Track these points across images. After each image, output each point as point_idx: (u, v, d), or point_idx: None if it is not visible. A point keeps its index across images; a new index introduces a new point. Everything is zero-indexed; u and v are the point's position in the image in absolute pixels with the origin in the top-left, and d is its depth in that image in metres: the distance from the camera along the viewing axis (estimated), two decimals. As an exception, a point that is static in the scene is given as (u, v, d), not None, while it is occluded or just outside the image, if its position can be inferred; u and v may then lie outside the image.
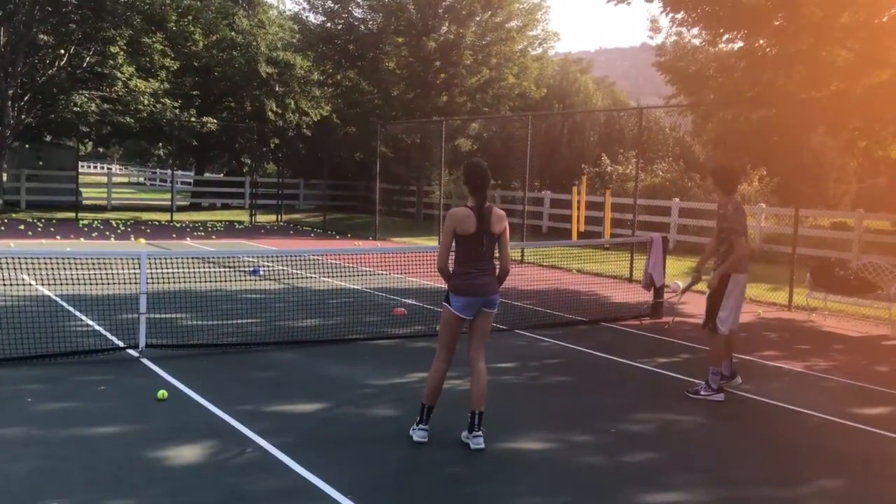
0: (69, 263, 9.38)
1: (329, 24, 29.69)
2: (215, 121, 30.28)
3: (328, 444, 5.74)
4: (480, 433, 5.69)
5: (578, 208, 17.95)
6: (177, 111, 28.79)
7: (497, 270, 5.84)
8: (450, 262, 5.83)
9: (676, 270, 16.24)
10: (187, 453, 5.43)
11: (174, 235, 21.74)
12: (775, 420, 6.81)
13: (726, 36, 14.62)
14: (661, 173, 25.09)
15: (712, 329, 7.40)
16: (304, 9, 30.54)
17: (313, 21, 30.46)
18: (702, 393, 7.31)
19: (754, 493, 5.12)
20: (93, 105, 26.84)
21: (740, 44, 14.86)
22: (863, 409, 7.16)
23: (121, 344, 8.39)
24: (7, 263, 10.91)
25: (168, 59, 29.02)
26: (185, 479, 5.02)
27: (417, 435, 5.79)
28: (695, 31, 15.39)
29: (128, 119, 27.82)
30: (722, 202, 7.44)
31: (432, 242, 20.59)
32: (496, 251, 5.84)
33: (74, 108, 26.33)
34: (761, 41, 14.20)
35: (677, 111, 19.23)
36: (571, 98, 32.46)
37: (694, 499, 5.00)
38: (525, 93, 29.02)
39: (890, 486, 5.43)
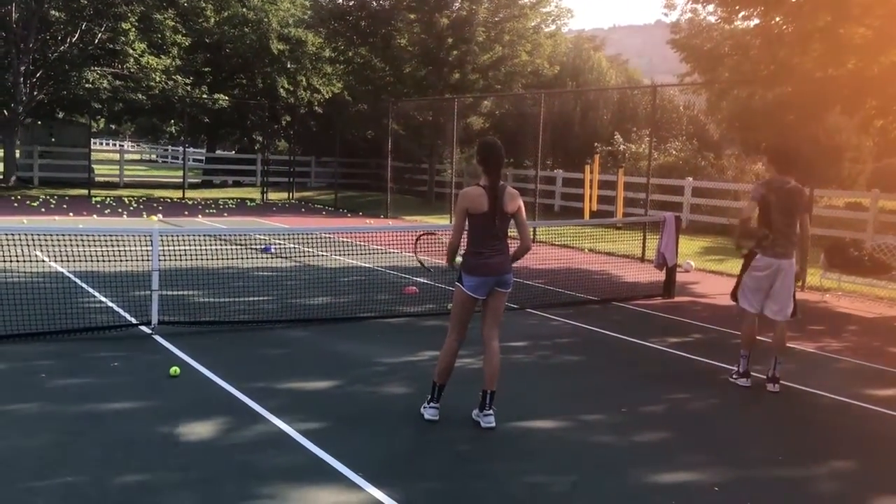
0: (82, 240, 9.40)
1: (341, 1, 29.52)
2: (227, 98, 30.24)
3: (339, 421, 5.76)
4: (491, 412, 5.70)
5: (591, 187, 17.87)
6: (188, 88, 28.75)
7: (510, 249, 5.82)
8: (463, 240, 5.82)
9: (689, 250, 16.18)
10: (200, 429, 5.46)
11: (186, 213, 21.79)
12: (787, 400, 6.78)
13: (742, 13, 14.45)
14: (674, 152, 24.92)
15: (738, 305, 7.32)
16: (315, -15, 30.41)
17: (325, -3, 30.33)
18: (732, 376, 7.23)
19: (766, 473, 5.11)
20: (105, 82, 26.85)
21: (756, 21, 14.69)
22: (875, 391, 7.13)
23: (133, 320, 8.43)
24: (20, 240, 10.96)
25: (179, 36, 28.96)
26: (198, 455, 5.05)
27: (428, 413, 5.80)
28: (710, 8, 15.21)
29: (140, 96, 27.82)
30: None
31: (444, 221, 20.56)
32: (510, 230, 5.82)
33: (86, 85, 26.35)
34: (777, 18, 14.02)
35: (691, 89, 19.04)
36: (585, 76, 32.20)
37: (705, 479, 4.99)
38: (538, 70, 28.80)
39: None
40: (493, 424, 5.66)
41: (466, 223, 5.71)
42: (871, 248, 11.88)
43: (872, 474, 5.24)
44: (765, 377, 7.06)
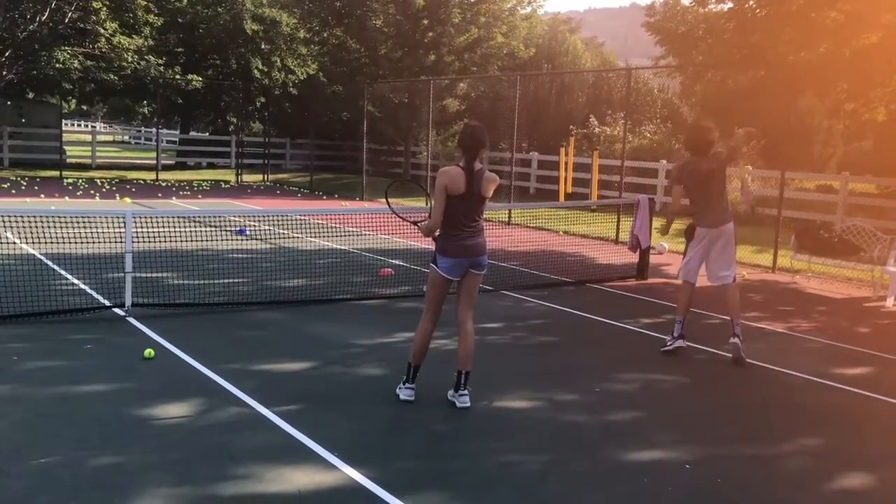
0: (54, 222, 9.30)
1: (315, -20, 29.24)
2: (200, 79, 29.89)
3: (315, 402, 5.78)
4: (466, 392, 5.74)
5: (566, 170, 17.94)
6: (161, 68, 28.39)
7: (484, 232, 5.85)
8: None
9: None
10: (174, 411, 5.45)
11: (160, 195, 21.60)
12: (757, 380, 6.90)
13: (716, -4, 14.55)
14: (648, 135, 25.05)
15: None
16: (290, -36, 30.07)
17: (299, -24, 30.01)
18: (668, 344, 7.55)
19: (736, 451, 5.21)
20: (76, 62, 26.43)
21: (730, 5, 14.80)
22: (843, 370, 7.27)
23: (107, 303, 8.36)
24: (-10, 222, 10.82)
25: (152, 16, 28.55)
26: (173, 436, 5.05)
27: (404, 394, 5.84)
28: (685, -9, 15.29)
29: (111, 76, 27.42)
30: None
31: (419, 203, 20.57)
32: (483, 212, 5.85)
33: (57, 65, 25.91)
34: (751, 2, 14.12)
35: (666, 72, 19.12)
36: (560, 59, 32.24)
37: (677, 456, 5.07)
38: (514, 52, 28.75)
39: (867, 444, 5.52)
40: (468, 404, 5.71)
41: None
42: (840, 230, 12.04)
43: (840, 451, 5.35)
44: (730, 351, 7.32)
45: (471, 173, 5.65)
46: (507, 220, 17.80)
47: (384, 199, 6.85)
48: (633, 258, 11.72)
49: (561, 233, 16.21)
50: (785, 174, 13.68)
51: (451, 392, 5.84)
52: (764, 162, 21.42)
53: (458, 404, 5.72)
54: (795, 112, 19.08)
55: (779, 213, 13.22)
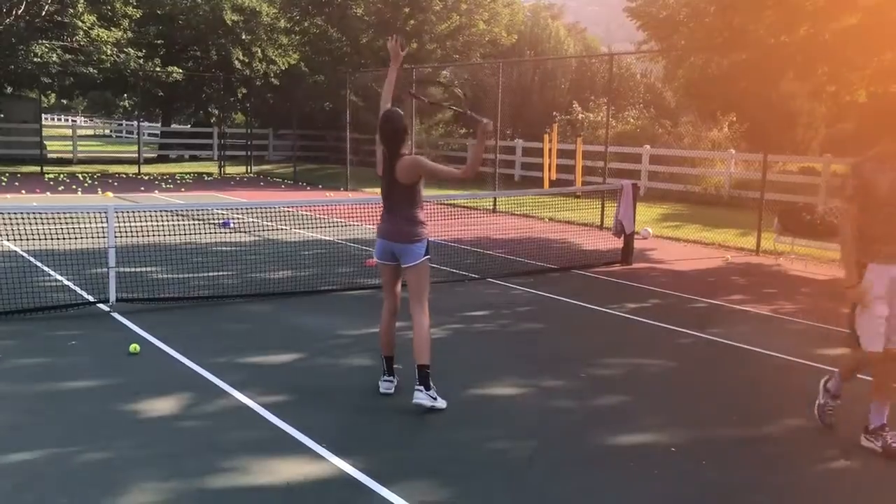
0: (36, 218, 9.24)
1: (295, -30, 29.10)
2: (181, 70, 29.69)
3: (302, 394, 5.78)
4: (422, 388, 5.41)
5: (550, 156, 17.95)
6: (141, 61, 28.17)
7: (411, 221, 5.57)
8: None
9: (647, 217, 16.36)
10: (161, 406, 5.44)
11: (142, 188, 21.46)
12: (743, 362, 6.95)
13: (697, -21, 14.54)
14: (631, 120, 25.09)
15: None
16: (269, -46, 29.88)
17: (279, -34, 29.86)
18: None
19: (723, 434, 5.25)
20: (54, 55, 26.17)
21: (711, -12, 14.77)
22: (827, 350, 7.32)
23: (91, 298, 8.32)
24: (-29, 219, 10.74)
25: (130, 8, 28.31)
26: (159, 431, 5.04)
27: (382, 386, 5.80)
28: (666, -26, 15.29)
29: (91, 69, 27.20)
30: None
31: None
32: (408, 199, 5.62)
33: (35, 59, 25.66)
34: (731, -15, 14.12)
35: (648, 57, 19.16)
36: (543, 45, 32.18)
37: (664, 440, 5.11)
38: (496, 39, 28.74)
39: (852, 425, 5.57)
40: (422, 402, 5.38)
41: None
42: (822, 211, 12.11)
43: (824, 432, 5.40)
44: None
45: (391, 160, 5.60)
46: (492, 207, 17.81)
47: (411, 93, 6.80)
48: (618, 243, 11.76)
49: (546, 219, 16.23)
50: (767, 157, 13.74)
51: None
52: (747, 145, 21.50)
53: (413, 400, 5.42)
54: (777, 95, 19.14)
55: (762, 196, 13.29)
